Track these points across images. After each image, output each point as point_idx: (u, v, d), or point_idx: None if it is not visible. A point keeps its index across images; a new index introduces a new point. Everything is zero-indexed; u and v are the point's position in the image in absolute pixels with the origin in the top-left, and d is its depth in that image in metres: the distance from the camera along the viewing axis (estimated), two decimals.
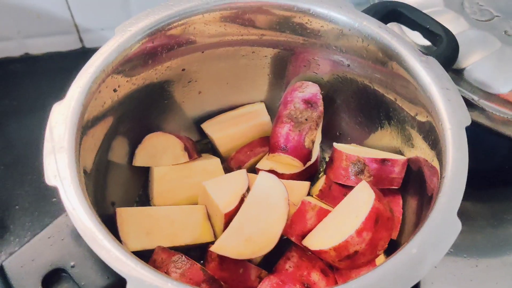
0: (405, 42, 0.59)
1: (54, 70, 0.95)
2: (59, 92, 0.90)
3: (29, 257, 0.42)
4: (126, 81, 0.59)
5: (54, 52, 0.97)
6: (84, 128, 0.51)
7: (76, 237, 0.43)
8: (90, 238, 0.41)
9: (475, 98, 0.68)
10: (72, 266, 0.42)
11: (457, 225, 0.44)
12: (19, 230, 0.75)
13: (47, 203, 0.77)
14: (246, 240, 0.56)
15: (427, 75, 0.56)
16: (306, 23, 0.64)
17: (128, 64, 0.58)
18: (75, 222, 0.41)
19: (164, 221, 0.60)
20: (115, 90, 0.58)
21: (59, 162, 0.45)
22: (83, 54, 0.98)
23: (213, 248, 0.55)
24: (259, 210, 0.58)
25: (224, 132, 0.72)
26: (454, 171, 0.47)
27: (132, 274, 0.39)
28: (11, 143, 0.85)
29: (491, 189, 0.78)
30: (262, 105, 0.76)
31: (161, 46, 0.61)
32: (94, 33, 0.95)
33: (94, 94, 0.53)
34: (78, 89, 0.51)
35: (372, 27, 0.60)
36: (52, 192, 0.79)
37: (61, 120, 0.49)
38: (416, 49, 0.58)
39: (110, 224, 0.55)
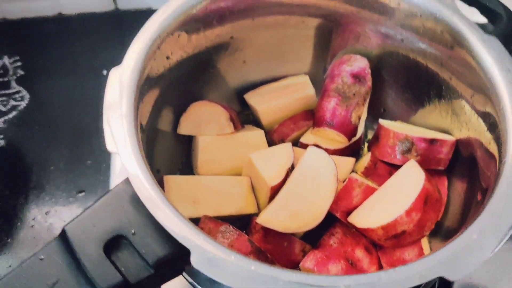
0: (467, 19, 0.56)
1: (87, 31, 0.94)
2: (92, 53, 0.90)
3: (90, 223, 0.42)
4: (179, 49, 0.58)
5: (87, 13, 0.95)
6: (141, 94, 0.50)
7: (135, 205, 0.43)
8: (154, 206, 0.41)
9: None
10: (133, 234, 0.42)
11: None
12: (54, 190, 0.76)
13: (82, 165, 0.78)
14: (292, 214, 0.56)
15: (489, 55, 0.54)
16: None
17: (184, 26, 0.57)
18: (138, 190, 0.42)
19: (210, 191, 0.60)
20: (167, 58, 0.57)
21: (120, 129, 0.45)
22: (116, 16, 0.97)
23: (259, 220, 0.56)
24: (306, 185, 0.57)
25: (268, 104, 0.70)
26: None
27: (196, 244, 0.39)
28: (45, 103, 0.85)
29: None
30: (306, 78, 0.74)
31: (222, 9, 0.60)
32: None
33: (150, 61, 0.52)
34: (135, 55, 0.50)
35: (432, 2, 0.58)
36: (87, 155, 0.80)
37: (120, 87, 0.48)
38: (478, 28, 0.56)
39: None
